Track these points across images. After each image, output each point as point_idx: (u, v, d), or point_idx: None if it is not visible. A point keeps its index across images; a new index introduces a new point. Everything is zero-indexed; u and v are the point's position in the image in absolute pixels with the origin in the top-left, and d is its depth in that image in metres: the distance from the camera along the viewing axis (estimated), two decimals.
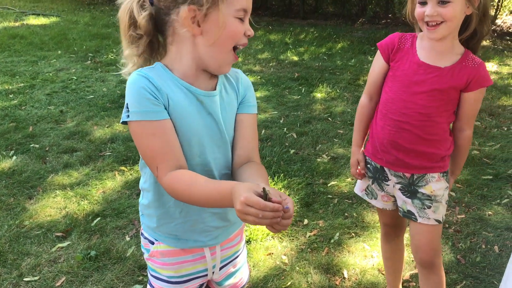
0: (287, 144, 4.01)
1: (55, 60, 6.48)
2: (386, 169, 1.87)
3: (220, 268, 1.45)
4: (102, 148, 3.85)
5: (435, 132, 1.75)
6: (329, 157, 3.79)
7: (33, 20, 9.27)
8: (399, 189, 1.87)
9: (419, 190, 1.82)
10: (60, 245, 2.64)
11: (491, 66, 6.51)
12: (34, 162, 3.57)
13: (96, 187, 3.26)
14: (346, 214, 3.01)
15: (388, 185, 1.89)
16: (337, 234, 2.79)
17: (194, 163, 1.24)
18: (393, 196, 1.93)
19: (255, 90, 5.38)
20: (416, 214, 1.82)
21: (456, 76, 1.68)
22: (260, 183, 1.06)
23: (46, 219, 2.88)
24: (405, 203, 1.86)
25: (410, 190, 1.84)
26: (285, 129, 4.32)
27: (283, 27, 9.28)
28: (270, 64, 6.60)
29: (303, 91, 5.46)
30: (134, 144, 3.85)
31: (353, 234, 2.81)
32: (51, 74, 5.79)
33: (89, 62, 6.45)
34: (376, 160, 1.89)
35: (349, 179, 3.43)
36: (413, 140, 1.76)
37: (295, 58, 6.93)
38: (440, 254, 1.89)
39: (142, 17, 1.16)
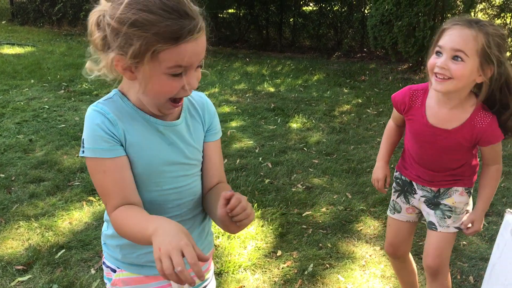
0: (262, 173, 3.96)
1: (27, 89, 6.36)
2: (414, 183, 1.97)
3: None
4: (70, 177, 3.74)
5: (459, 161, 1.85)
6: (304, 187, 3.75)
7: (7, 50, 9.15)
8: (424, 201, 1.96)
9: (442, 202, 1.91)
10: (20, 279, 2.50)
11: None
12: None
13: (62, 218, 3.13)
14: (320, 244, 2.95)
15: (414, 198, 1.99)
16: (311, 265, 2.72)
17: (157, 194, 1.23)
18: (418, 208, 2.03)
19: (231, 120, 5.36)
20: (437, 224, 1.91)
21: (464, 135, 1.74)
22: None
23: (7, 252, 2.73)
24: (429, 215, 1.96)
25: (434, 202, 1.93)
26: (260, 158, 4.28)
27: (260, 59, 9.37)
28: (247, 95, 6.61)
29: (279, 121, 5.46)
30: None
31: (327, 265, 2.74)
32: (22, 103, 5.67)
33: (62, 91, 6.35)
34: (406, 174, 1.99)
35: (323, 209, 3.38)
36: (439, 166, 1.87)
37: (272, 89, 6.97)
38: (447, 264, 1.97)
39: (96, 37, 1.12)
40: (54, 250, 2.77)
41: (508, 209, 1.14)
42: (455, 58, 1.59)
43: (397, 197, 2.06)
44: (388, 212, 2.14)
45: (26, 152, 4.20)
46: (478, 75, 1.62)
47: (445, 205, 1.90)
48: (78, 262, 2.68)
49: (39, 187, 3.54)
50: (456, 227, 1.91)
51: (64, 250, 2.77)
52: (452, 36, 1.61)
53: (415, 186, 1.97)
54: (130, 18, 1.03)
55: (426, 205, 1.96)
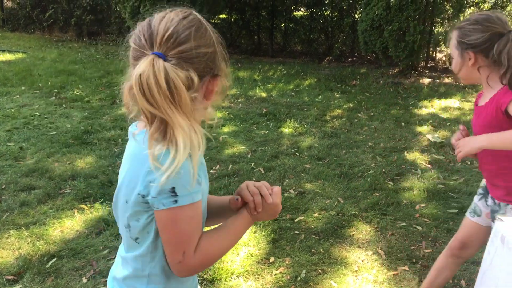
0: (254, 179, 3.96)
1: (18, 96, 6.33)
2: (488, 190, 2.04)
3: None
4: (62, 185, 3.71)
5: (505, 166, 1.89)
6: (296, 192, 3.75)
7: None
8: (490, 211, 2.03)
9: (496, 217, 1.92)
10: None
11: (453, 103, 6.70)
12: None
13: (53, 226, 3.11)
14: (313, 250, 2.95)
15: (488, 205, 2.04)
16: (304, 271, 2.72)
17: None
18: None
19: (223, 125, 5.36)
20: None
21: (490, 109, 1.83)
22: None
23: None
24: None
25: (493, 216, 1.99)
26: (252, 164, 4.28)
27: (252, 65, 9.39)
28: (239, 100, 6.62)
29: (270, 126, 5.47)
30: (95, 182, 3.75)
31: (320, 271, 2.74)
32: (13, 110, 5.63)
33: (53, 98, 6.32)
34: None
35: (316, 214, 3.39)
36: (491, 174, 1.96)
37: (264, 94, 6.98)
38: None
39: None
40: (45, 259, 2.75)
41: (498, 216, 1.15)
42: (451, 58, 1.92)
43: (479, 199, 2.09)
44: (468, 214, 2.14)
45: (17, 160, 4.17)
46: (468, 61, 1.84)
47: None
48: (70, 271, 2.66)
49: (30, 195, 3.52)
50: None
51: (55, 259, 2.75)
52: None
53: (489, 195, 2.03)
54: None
55: (490, 215, 2.02)
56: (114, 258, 2.77)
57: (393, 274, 2.73)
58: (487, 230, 2.08)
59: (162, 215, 1.07)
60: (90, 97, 6.40)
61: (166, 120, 1.02)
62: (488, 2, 9.19)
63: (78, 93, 6.57)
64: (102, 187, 3.69)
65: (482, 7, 9.18)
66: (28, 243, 2.91)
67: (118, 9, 11.29)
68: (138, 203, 1.09)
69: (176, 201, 1.05)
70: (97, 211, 3.32)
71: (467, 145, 1.82)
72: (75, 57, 9.41)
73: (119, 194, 1.17)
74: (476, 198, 2.12)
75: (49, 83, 7.07)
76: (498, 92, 1.81)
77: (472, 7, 9.28)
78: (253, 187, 1.23)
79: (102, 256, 2.82)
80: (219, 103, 1.21)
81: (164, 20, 1.08)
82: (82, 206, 3.38)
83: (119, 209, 1.18)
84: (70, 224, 3.14)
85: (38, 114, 5.57)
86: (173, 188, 1.04)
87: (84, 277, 2.60)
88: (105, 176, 3.89)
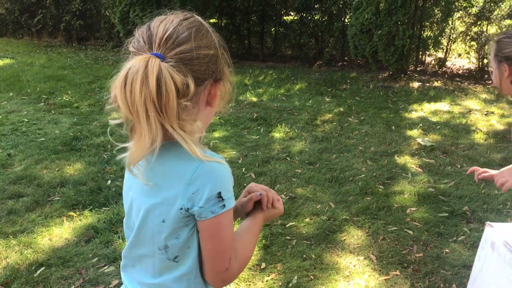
0: (245, 184, 3.94)
1: (5, 102, 6.26)
2: None
3: None
4: (50, 192, 3.67)
5: None
6: (287, 197, 3.74)
7: None
8: None
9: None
10: None
11: (443, 106, 6.74)
12: None
13: (41, 235, 3.06)
14: (304, 255, 2.94)
15: None
16: (295, 277, 2.71)
17: None
18: None
19: (214, 130, 5.34)
20: None
21: None
22: None
23: None
24: None
25: None
26: (243, 169, 4.27)
27: (242, 69, 9.38)
28: (229, 105, 6.59)
29: (261, 131, 5.46)
30: (84, 188, 3.71)
31: (311, 276, 2.73)
32: (0, 116, 5.57)
33: (42, 104, 6.27)
34: None
35: (307, 219, 3.38)
36: None
37: (254, 99, 6.97)
38: None
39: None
40: (33, 268, 2.71)
41: (488, 222, 1.14)
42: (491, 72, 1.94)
43: None
44: None
45: (5, 167, 4.12)
46: (504, 73, 1.84)
47: None
48: (58, 280, 2.62)
49: (17, 203, 3.47)
50: None
51: (43, 268, 2.71)
52: None
53: None
54: None
55: None
56: (104, 266, 2.74)
57: (385, 279, 2.72)
58: None
59: (209, 223, 1.05)
60: (79, 102, 6.36)
61: (134, 123, 0.99)
62: (476, 6, 9.28)
63: (67, 99, 6.52)
64: (92, 194, 3.65)
65: (470, 11, 9.27)
66: (15, 252, 2.86)
67: (108, 14, 11.26)
68: (179, 219, 1.05)
69: (224, 206, 1.04)
70: (86, 218, 3.28)
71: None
72: (64, 63, 9.35)
73: (148, 217, 1.09)
74: None
75: (38, 89, 7.01)
76: None
77: (460, 11, 9.36)
78: (262, 186, 1.30)
79: (91, 264, 2.78)
80: (226, 110, 1.19)
81: (164, 22, 1.04)
82: (71, 213, 3.35)
83: (149, 232, 1.10)
84: (58, 232, 3.10)
85: (26, 120, 5.51)
86: (219, 192, 1.03)
87: (73, 286, 2.56)
88: (95, 182, 3.85)
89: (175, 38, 1.01)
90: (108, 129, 1.06)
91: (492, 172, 2.06)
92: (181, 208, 1.04)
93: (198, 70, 1.03)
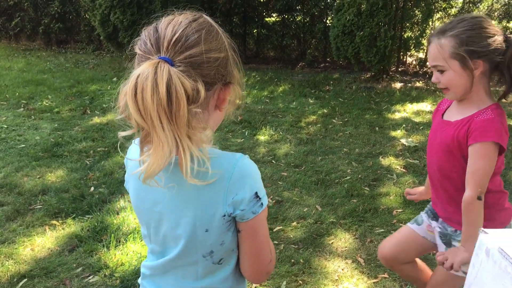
0: None
1: None
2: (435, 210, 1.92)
3: None
4: (32, 201, 3.58)
5: (454, 190, 1.73)
6: (274, 201, 3.72)
7: None
8: (438, 232, 1.87)
9: (452, 243, 1.80)
10: None
11: (425, 106, 6.80)
12: None
13: (23, 245, 2.99)
14: (292, 260, 2.92)
15: (434, 222, 1.91)
16: (284, 282, 2.68)
17: None
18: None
19: None
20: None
21: (460, 128, 1.63)
22: None
23: None
24: (439, 247, 1.86)
25: (446, 239, 1.83)
26: None
27: None
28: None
29: (246, 134, 5.43)
30: (67, 196, 3.63)
31: (300, 281, 2.71)
32: None
33: (21, 109, 6.14)
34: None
35: (294, 223, 3.36)
36: (439, 196, 1.83)
37: (238, 101, 6.93)
38: None
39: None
40: (15, 280, 2.64)
41: (482, 228, 1.13)
42: (439, 71, 1.65)
43: (425, 212, 2.00)
44: (408, 223, 2.04)
45: None
46: (470, 71, 1.58)
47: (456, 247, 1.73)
48: None
49: None
50: (464, 272, 1.62)
51: (26, 280, 2.64)
52: (429, 54, 1.70)
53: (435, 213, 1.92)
54: None
55: (439, 236, 1.86)
56: (89, 276, 2.68)
57: (374, 282, 2.72)
58: (423, 243, 1.99)
59: (251, 223, 1.07)
60: (60, 107, 6.24)
61: (149, 132, 0.93)
62: (455, 7, 9.40)
63: (47, 104, 6.40)
64: (74, 201, 3.58)
65: (449, 12, 9.39)
66: None
67: (88, 17, 11.10)
68: (222, 225, 1.06)
69: (262, 204, 1.07)
70: (69, 227, 3.21)
71: (456, 256, 1.63)
72: (44, 66, 9.18)
73: (189, 229, 1.06)
74: (422, 211, 2.06)
75: (17, 93, 6.87)
76: (480, 113, 1.60)
77: (440, 12, 9.47)
78: None
79: (75, 274, 2.72)
80: (236, 114, 1.17)
81: (172, 23, 1.00)
82: (54, 222, 3.27)
83: (193, 244, 1.09)
84: (41, 242, 3.03)
85: (5, 126, 5.39)
86: (256, 192, 1.05)
87: None
88: (77, 190, 3.77)
89: (184, 41, 0.97)
90: (118, 144, 1.01)
91: (418, 189, 2.10)
92: (224, 215, 1.04)
93: (208, 74, 1.00)
